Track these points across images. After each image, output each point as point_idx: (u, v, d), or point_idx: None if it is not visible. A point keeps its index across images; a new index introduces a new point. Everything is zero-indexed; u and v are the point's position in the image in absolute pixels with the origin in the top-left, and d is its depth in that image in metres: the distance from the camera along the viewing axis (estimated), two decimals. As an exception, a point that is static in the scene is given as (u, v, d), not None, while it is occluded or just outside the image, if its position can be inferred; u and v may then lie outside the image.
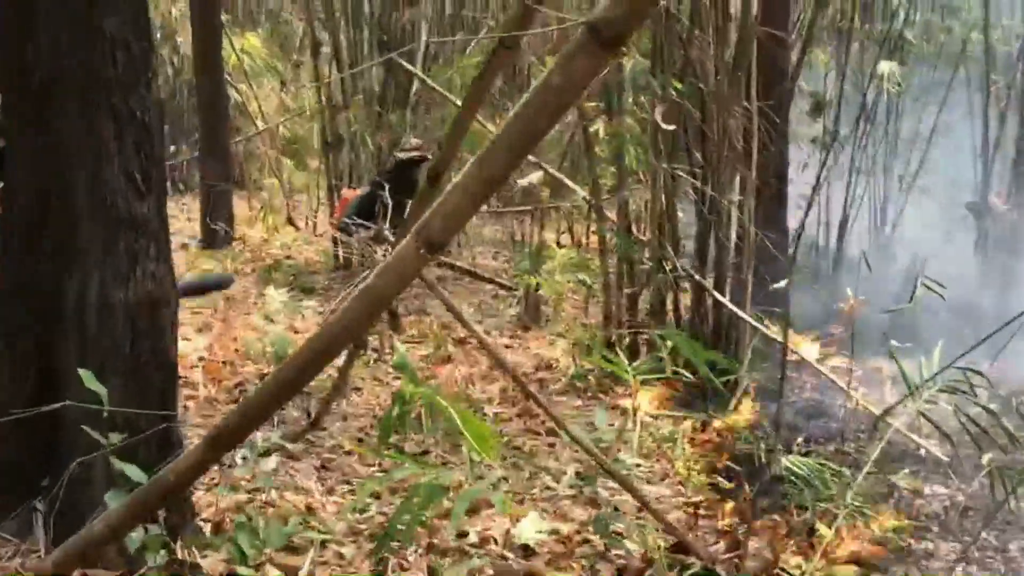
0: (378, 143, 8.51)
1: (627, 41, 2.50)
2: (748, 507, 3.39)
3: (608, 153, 5.98)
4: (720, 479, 4.04)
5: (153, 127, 2.92)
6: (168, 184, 9.81)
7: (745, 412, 4.29)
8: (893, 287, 6.39)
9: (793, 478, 3.53)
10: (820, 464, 3.57)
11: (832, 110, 8.42)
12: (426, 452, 4.08)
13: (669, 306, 5.47)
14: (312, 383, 3.11)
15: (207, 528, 3.11)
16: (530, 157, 5.65)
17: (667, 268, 5.29)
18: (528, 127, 2.05)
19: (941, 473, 4.16)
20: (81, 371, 2.67)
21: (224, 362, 5.13)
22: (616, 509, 3.48)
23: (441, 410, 3.24)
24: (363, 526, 3.34)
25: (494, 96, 8.05)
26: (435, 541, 3.18)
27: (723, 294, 5.22)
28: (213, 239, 8.58)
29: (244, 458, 3.46)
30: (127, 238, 2.86)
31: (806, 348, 5.03)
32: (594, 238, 6.98)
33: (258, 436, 3.63)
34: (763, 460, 3.96)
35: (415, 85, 8.37)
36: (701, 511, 3.61)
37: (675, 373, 4.60)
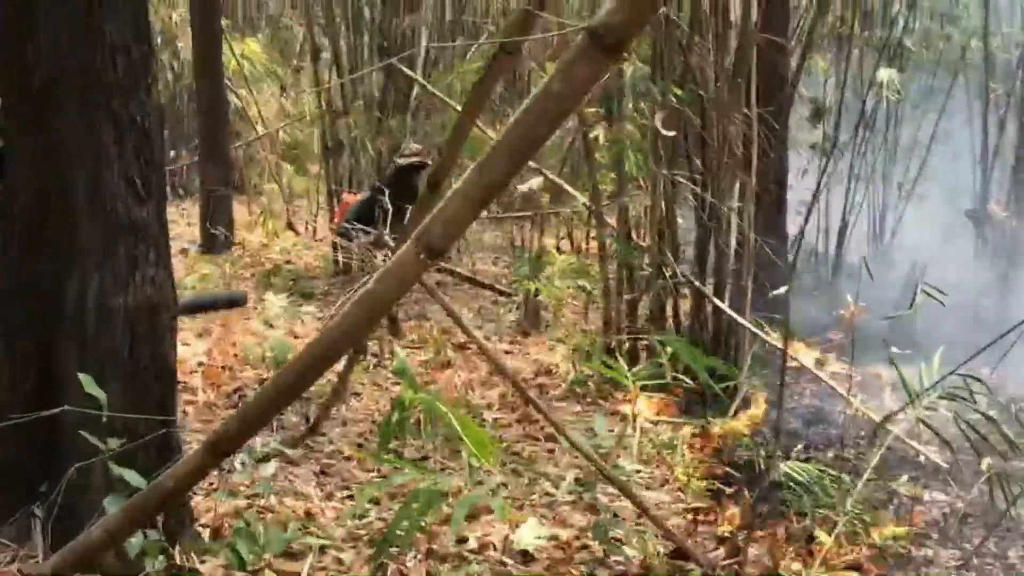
0: (378, 148, 8.49)
1: (628, 47, 2.50)
2: (748, 513, 3.39)
3: (608, 159, 5.98)
4: (720, 485, 4.04)
5: (153, 132, 2.93)
6: (168, 189, 9.81)
7: (754, 416, 4.30)
8: (893, 294, 6.38)
9: (793, 484, 3.53)
10: (820, 470, 3.57)
11: (832, 117, 8.42)
12: (425, 458, 4.08)
13: (669, 312, 5.46)
14: (311, 388, 3.11)
15: (206, 534, 3.10)
16: (530, 163, 5.64)
17: (667, 274, 5.28)
18: (528, 133, 2.05)
19: (941, 480, 4.15)
20: (81, 376, 2.68)
21: (223, 367, 5.13)
22: (615, 515, 3.48)
23: (441, 416, 3.25)
24: (362, 532, 3.34)
25: (494, 102, 8.06)
26: (434, 547, 3.18)
27: (723, 300, 5.21)
28: (213, 244, 8.57)
29: (243, 463, 3.47)
30: (127, 243, 2.86)
31: (806, 354, 5.03)
32: (594, 244, 6.98)
33: (257, 441, 3.64)
34: (763, 466, 3.95)
35: (415, 90, 8.35)
36: (701, 517, 3.61)
37: (675, 379, 4.63)
